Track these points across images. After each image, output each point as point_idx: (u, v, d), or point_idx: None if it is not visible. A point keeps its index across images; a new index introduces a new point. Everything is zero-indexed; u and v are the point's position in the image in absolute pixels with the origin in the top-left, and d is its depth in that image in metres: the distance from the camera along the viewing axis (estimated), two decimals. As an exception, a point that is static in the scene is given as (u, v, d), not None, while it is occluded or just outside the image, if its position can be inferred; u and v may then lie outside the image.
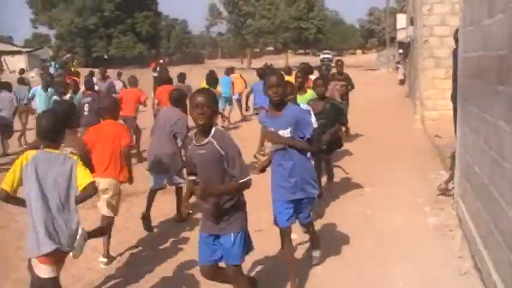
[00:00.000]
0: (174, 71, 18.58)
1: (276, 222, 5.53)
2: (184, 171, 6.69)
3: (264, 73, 13.38)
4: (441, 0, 14.72)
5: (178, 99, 8.08)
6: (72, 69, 27.52)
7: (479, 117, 5.57)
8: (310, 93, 9.05)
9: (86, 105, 10.82)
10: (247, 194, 4.58)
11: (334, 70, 16.07)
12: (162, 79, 14.47)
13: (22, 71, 22.88)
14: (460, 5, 7.23)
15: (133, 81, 13.65)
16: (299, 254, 6.33)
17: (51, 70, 29.73)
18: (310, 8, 73.80)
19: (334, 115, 8.07)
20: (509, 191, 4.17)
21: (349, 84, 13.52)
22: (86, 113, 10.65)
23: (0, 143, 13.24)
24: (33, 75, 29.96)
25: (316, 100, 8.18)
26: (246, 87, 18.23)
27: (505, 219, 4.28)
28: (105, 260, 6.38)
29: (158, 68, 25.10)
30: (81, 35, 67.99)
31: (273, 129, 5.38)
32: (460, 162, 7.19)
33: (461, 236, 6.51)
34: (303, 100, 8.18)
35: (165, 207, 8.43)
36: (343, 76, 13.57)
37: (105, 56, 69.09)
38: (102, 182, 6.01)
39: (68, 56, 53.47)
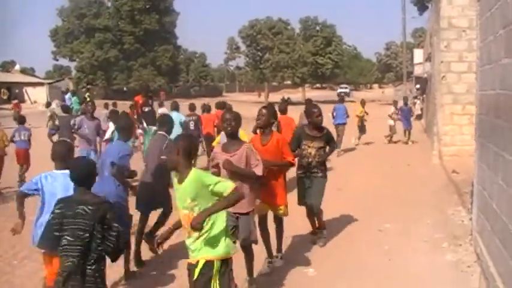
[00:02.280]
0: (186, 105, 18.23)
1: None
2: None
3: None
4: (458, 36, 14.86)
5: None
6: (88, 99, 27.82)
7: (497, 155, 5.61)
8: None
9: (192, 122, 15.06)
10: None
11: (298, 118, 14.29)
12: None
13: (48, 104, 23.96)
14: (478, 43, 7.32)
15: (223, 106, 16.11)
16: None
17: (68, 102, 30.07)
18: (327, 43, 74.34)
19: None
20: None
21: (328, 145, 8.28)
22: (191, 128, 14.82)
23: None
24: (53, 106, 30.49)
25: None
26: None
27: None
28: None
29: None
30: (101, 67, 69.08)
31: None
32: (477, 198, 7.19)
33: (479, 272, 6.50)
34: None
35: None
36: (321, 133, 8.13)
37: (125, 88, 70.00)
38: None
39: (88, 87, 54.38)
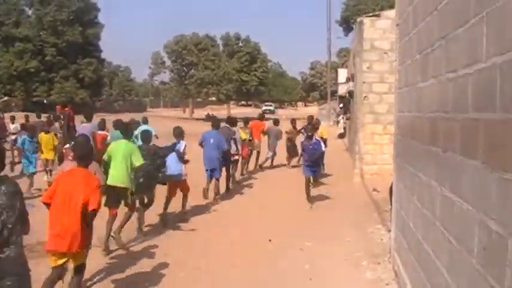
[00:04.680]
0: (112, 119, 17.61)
1: None
2: None
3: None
4: (380, 58, 15.29)
5: None
6: None
7: (413, 175, 5.76)
8: None
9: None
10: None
11: None
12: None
13: None
14: (396, 65, 7.54)
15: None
16: None
17: None
18: (252, 60, 74.94)
19: None
20: (441, 248, 4.29)
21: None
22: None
23: None
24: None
25: None
26: None
27: (438, 276, 4.38)
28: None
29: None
30: (20, 78, 66.60)
31: None
32: (395, 217, 7.36)
33: (397, 290, 6.62)
34: None
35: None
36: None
37: (45, 101, 67.83)
38: None
39: (5, 99, 52.29)
